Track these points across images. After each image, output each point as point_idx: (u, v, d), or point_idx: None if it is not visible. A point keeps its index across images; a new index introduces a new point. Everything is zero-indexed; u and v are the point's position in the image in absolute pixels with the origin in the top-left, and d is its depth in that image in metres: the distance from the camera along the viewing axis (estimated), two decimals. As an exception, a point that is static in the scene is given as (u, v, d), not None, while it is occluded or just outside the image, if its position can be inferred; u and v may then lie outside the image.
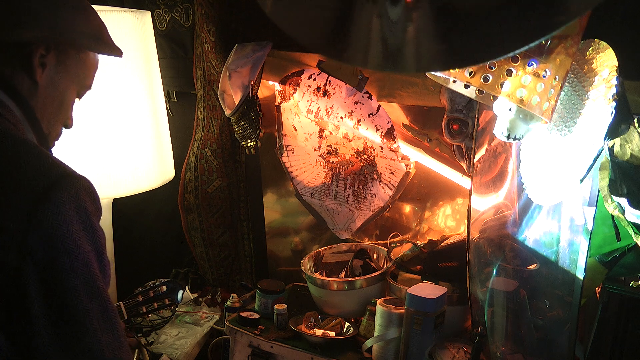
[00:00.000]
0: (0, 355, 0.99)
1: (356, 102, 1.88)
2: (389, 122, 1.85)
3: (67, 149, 1.82)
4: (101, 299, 1.04)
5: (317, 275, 1.88)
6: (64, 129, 1.27)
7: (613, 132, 1.13)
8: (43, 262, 0.99)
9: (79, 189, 1.04)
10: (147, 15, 2.08)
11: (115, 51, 1.28)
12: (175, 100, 2.43)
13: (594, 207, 1.19)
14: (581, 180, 1.18)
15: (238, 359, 1.82)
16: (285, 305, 1.82)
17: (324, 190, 2.09)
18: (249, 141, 2.07)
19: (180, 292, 2.10)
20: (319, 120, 1.99)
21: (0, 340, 0.98)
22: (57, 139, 1.26)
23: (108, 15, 1.89)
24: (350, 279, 1.82)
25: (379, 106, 1.85)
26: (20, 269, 0.98)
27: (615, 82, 1.14)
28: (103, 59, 1.31)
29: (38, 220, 0.98)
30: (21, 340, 1.00)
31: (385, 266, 1.89)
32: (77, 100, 1.27)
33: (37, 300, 0.99)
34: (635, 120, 1.16)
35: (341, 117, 1.92)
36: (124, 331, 1.11)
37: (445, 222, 1.92)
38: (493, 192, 1.53)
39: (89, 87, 1.28)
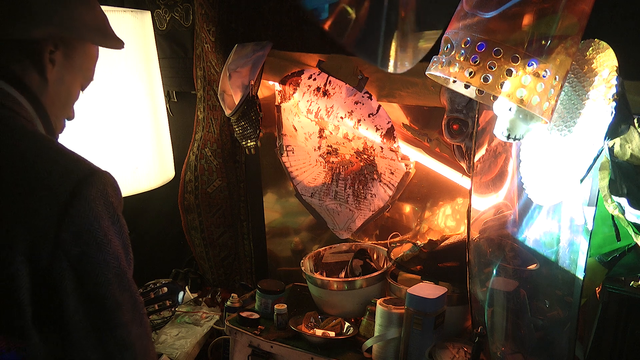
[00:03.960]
0: (35, 354, 0.99)
1: (356, 102, 1.88)
2: (389, 122, 1.85)
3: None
4: (131, 292, 1.06)
5: (317, 275, 1.88)
6: (66, 121, 1.28)
7: (613, 132, 1.13)
8: (77, 259, 0.99)
9: (106, 184, 1.05)
10: (147, 15, 2.08)
11: (119, 43, 1.30)
12: (175, 100, 2.43)
13: (594, 207, 1.19)
14: (581, 180, 1.18)
15: (238, 359, 1.82)
16: (285, 305, 1.82)
17: (324, 190, 2.09)
18: (249, 141, 2.07)
19: (181, 293, 2.10)
20: (319, 120, 1.99)
21: (35, 339, 0.99)
22: (61, 132, 1.27)
23: (108, 15, 1.88)
24: (350, 279, 1.82)
25: (379, 106, 1.85)
26: (53, 266, 0.98)
27: (615, 82, 1.14)
28: (102, 59, 1.31)
29: (70, 218, 0.99)
30: (55, 338, 1.00)
31: (385, 266, 1.89)
32: (81, 92, 1.28)
33: (72, 297, 0.99)
34: (635, 120, 1.16)
35: (341, 117, 1.92)
36: (149, 321, 1.12)
37: (445, 222, 1.92)
38: (493, 192, 1.53)
39: (92, 79, 1.30)
